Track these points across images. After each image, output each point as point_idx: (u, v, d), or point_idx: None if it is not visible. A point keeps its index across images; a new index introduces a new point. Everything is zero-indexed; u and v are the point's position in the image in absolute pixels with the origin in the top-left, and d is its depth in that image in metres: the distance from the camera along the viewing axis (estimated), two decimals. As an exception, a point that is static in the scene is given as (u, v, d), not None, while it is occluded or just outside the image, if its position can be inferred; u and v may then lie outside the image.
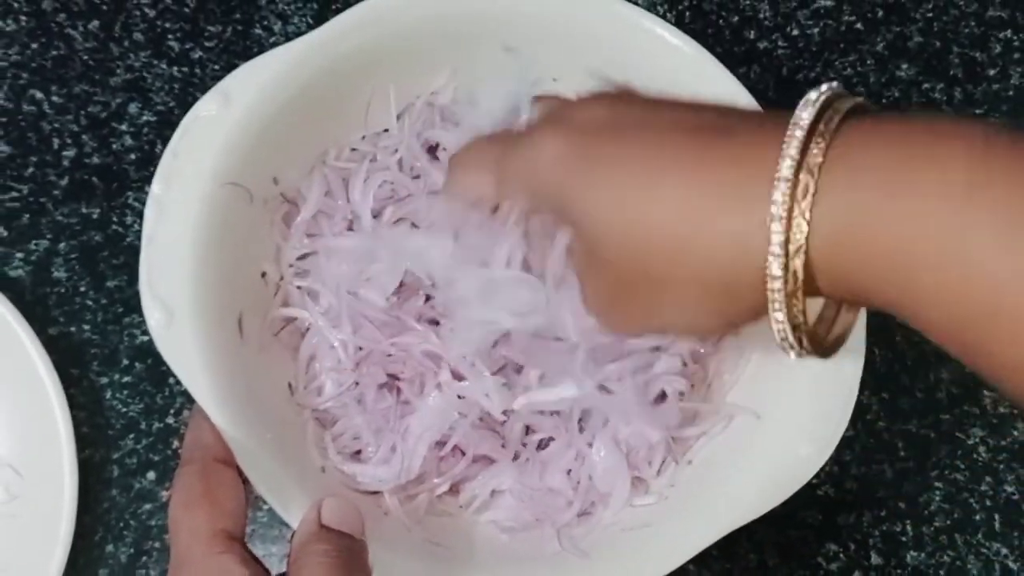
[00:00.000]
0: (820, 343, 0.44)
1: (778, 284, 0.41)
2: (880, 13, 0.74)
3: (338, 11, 0.57)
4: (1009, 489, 0.69)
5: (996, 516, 0.69)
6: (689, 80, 0.57)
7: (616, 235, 0.44)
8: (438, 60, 0.60)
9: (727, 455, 0.59)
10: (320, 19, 0.70)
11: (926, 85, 0.74)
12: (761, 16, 0.73)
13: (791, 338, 0.42)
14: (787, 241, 0.40)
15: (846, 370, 0.56)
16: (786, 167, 0.39)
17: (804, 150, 0.40)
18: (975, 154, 0.38)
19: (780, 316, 0.41)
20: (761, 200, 0.40)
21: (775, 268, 0.40)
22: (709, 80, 0.57)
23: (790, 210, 0.39)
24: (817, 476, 0.56)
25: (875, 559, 0.68)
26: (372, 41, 0.58)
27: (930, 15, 0.74)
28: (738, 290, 0.42)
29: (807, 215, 0.39)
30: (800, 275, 0.40)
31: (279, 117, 0.56)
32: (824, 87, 0.42)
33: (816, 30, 0.74)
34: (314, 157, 0.60)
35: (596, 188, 0.45)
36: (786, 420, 0.57)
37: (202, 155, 0.54)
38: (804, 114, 0.40)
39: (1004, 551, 0.69)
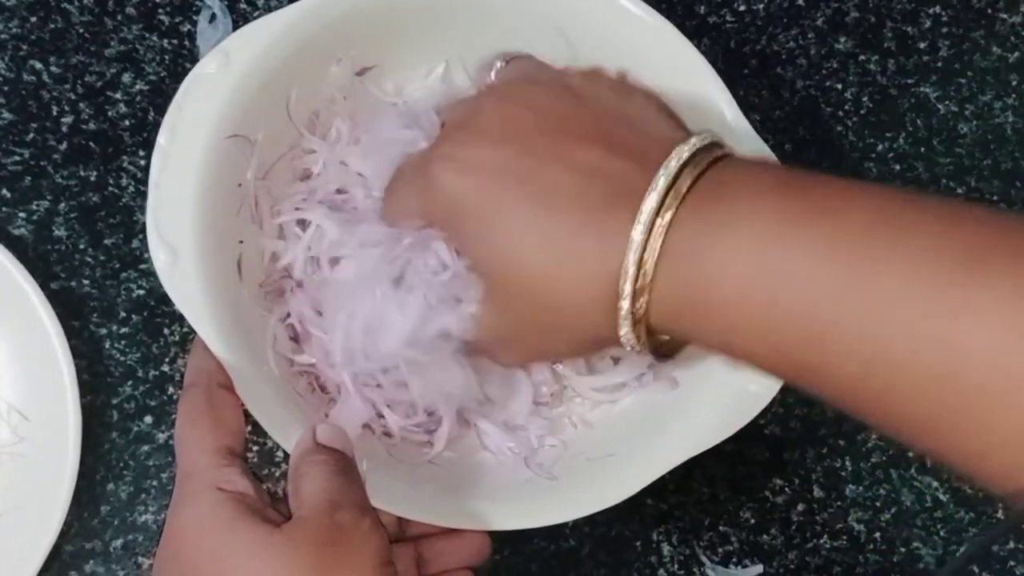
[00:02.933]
0: (657, 351, 0.50)
1: (626, 305, 0.46)
2: (819, -10, 0.77)
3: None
4: (939, 428, 0.74)
5: (927, 452, 0.74)
6: (651, 50, 0.60)
7: (504, 276, 0.50)
8: (422, 31, 0.63)
9: (682, 392, 0.62)
10: (301, -5, 0.73)
11: (862, 57, 0.76)
12: (710, -8, 0.77)
13: (634, 344, 0.48)
14: (639, 270, 0.45)
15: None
16: (642, 218, 0.45)
17: (663, 198, 0.45)
18: (787, 204, 0.43)
19: (626, 331, 0.47)
20: (622, 236, 0.45)
21: (627, 288, 0.46)
22: (671, 50, 0.60)
23: (646, 241, 0.45)
24: (764, 416, 0.59)
25: (817, 492, 0.71)
26: (363, 5, 0.60)
27: (865, -8, 0.78)
28: (609, 314, 0.47)
29: (658, 246, 0.45)
30: (647, 294, 0.46)
31: (277, 74, 0.58)
32: (694, 140, 0.47)
33: (761, 6, 0.77)
34: (308, 113, 0.62)
35: (484, 232, 0.50)
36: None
37: (204, 109, 0.57)
38: (664, 172, 0.46)
39: (935, 484, 0.72)
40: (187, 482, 0.51)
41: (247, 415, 0.55)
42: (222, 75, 0.57)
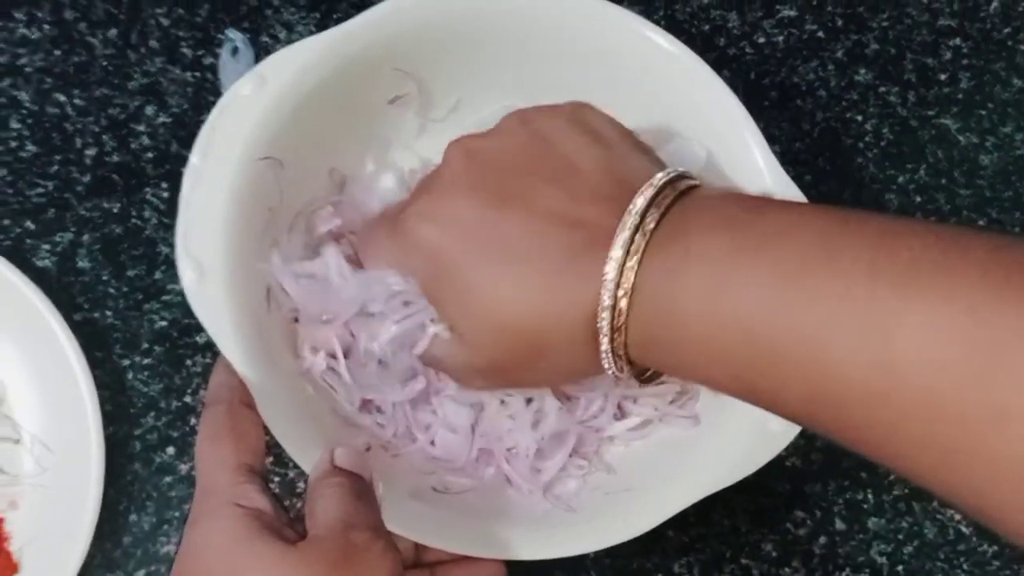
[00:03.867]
0: (640, 377, 0.52)
1: (606, 343, 0.48)
2: (840, 22, 0.77)
3: (339, 21, 0.61)
4: (962, 460, 0.73)
5: (950, 485, 0.73)
6: (681, 84, 0.61)
7: (484, 325, 0.51)
8: (456, 57, 0.63)
9: (703, 430, 0.62)
10: (322, 28, 0.72)
11: (882, 89, 0.77)
12: (730, 25, 0.77)
13: (618, 373, 0.50)
14: (614, 309, 0.47)
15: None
16: (612, 263, 0.47)
17: (631, 241, 0.47)
18: (735, 236, 0.44)
19: (609, 364, 0.49)
20: (596, 278, 0.47)
21: (605, 327, 0.48)
22: (700, 85, 0.61)
23: (617, 283, 0.47)
24: (785, 448, 0.59)
25: (839, 525, 0.71)
26: (398, 34, 0.60)
27: (886, 24, 0.78)
28: (590, 350, 0.49)
29: (629, 289, 0.46)
30: (623, 333, 0.48)
31: (311, 99, 0.58)
32: (658, 176, 0.48)
33: (781, 38, 0.77)
34: (342, 138, 0.63)
35: (463, 283, 0.51)
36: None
37: (237, 131, 0.57)
38: (632, 212, 0.47)
39: (957, 516, 0.71)
40: (206, 498, 0.51)
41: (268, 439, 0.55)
42: (257, 97, 0.57)
